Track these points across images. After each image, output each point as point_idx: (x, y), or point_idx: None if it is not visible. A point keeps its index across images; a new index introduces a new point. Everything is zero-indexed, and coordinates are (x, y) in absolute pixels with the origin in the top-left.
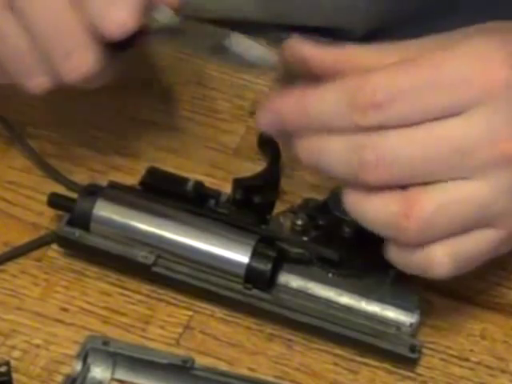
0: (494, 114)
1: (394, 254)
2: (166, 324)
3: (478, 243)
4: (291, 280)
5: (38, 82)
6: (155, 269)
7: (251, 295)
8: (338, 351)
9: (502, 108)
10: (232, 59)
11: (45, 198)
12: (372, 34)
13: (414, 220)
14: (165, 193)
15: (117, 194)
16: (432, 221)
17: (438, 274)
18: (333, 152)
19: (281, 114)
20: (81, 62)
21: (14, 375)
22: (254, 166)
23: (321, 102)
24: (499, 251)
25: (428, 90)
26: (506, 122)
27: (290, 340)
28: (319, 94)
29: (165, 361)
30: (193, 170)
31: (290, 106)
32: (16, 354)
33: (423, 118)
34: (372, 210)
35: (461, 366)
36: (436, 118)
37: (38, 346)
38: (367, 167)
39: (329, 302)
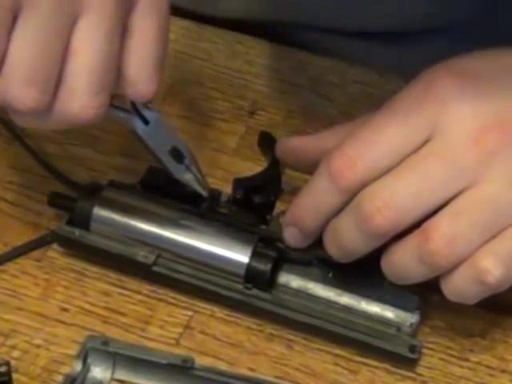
0: (453, 117)
1: (449, 288)
2: (166, 324)
3: None
4: (291, 280)
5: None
6: (155, 268)
7: (251, 295)
8: (338, 351)
9: (460, 107)
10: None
11: (45, 198)
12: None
13: (437, 238)
14: (165, 193)
15: (117, 193)
16: (454, 231)
17: (492, 280)
18: (343, 228)
19: (298, 225)
20: (94, 102)
21: (14, 375)
22: (254, 166)
23: (311, 194)
24: None
25: (387, 133)
26: (472, 116)
27: (290, 340)
28: (308, 188)
29: (165, 361)
30: None
31: (299, 213)
32: (16, 354)
33: (397, 157)
34: (400, 260)
35: (461, 366)
36: (411, 151)
37: (38, 346)
38: (371, 215)
39: (329, 302)
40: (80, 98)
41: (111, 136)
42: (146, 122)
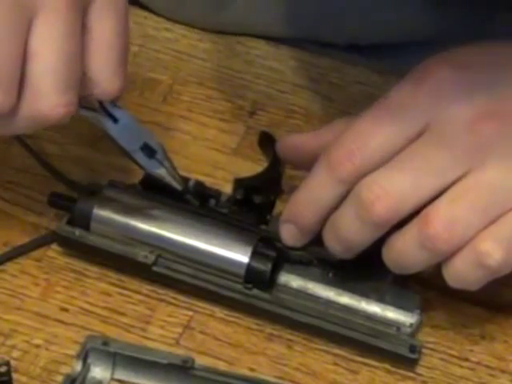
0: (449, 107)
1: (451, 274)
2: (166, 324)
3: None
4: (291, 280)
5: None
6: (155, 268)
7: (251, 295)
8: (338, 351)
9: (449, 91)
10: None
11: (45, 198)
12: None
13: (436, 222)
14: (165, 193)
15: (117, 193)
16: (453, 215)
17: (493, 263)
18: (344, 221)
19: (296, 221)
20: (64, 101)
21: (14, 375)
22: (254, 166)
23: (310, 188)
24: None
25: (384, 124)
26: (468, 105)
27: (290, 340)
28: (306, 183)
29: (165, 361)
30: (193, 170)
31: (297, 209)
32: (16, 354)
33: (395, 148)
34: (401, 248)
35: (461, 366)
36: (408, 141)
37: (37, 346)
38: (371, 203)
39: (329, 302)
40: (48, 98)
41: None
42: (115, 120)
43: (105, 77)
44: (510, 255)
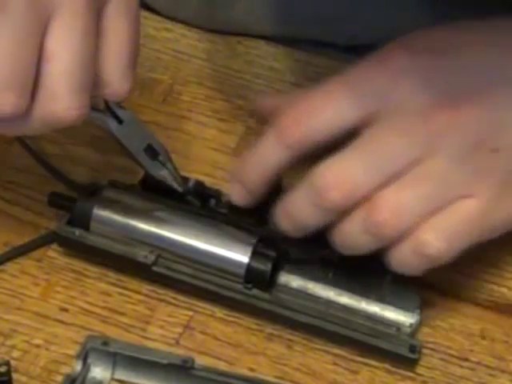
0: (404, 91)
1: (393, 259)
2: (166, 324)
3: (459, 215)
4: (291, 280)
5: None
6: (155, 268)
7: (251, 295)
8: (338, 351)
9: (404, 84)
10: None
11: (45, 198)
12: None
13: (383, 209)
14: (165, 193)
15: (117, 193)
16: (400, 202)
17: (433, 253)
18: (297, 203)
19: (243, 181)
20: (77, 103)
21: (14, 375)
22: None
23: (258, 150)
24: (487, 222)
25: (336, 98)
26: (424, 91)
27: (290, 340)
28: (256, 145)
29: (165, 361)
30: (193, 169)
31: (244, 169)
32: (16, 354)
33: (344, 123)
34: (348, 231)
35: (461, 366)
36: (359, 117)
37: (38, 346)
38: (326, 189)
39: (329, 302)
40: (62, 100)
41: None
42: (120, 121)
43: (116, 78)
44: (450, 245)
